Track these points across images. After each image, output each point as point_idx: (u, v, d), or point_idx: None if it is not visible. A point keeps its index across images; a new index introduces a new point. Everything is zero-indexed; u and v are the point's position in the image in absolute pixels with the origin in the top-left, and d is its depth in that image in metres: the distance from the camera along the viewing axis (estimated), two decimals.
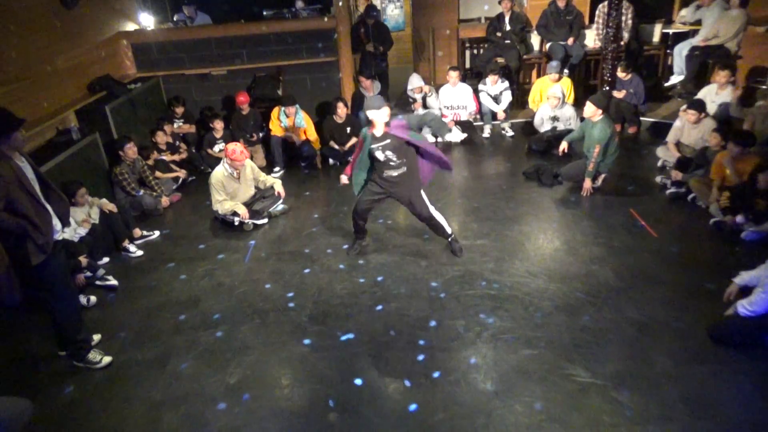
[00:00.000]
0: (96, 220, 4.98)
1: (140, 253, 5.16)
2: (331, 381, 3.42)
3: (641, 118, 7.20)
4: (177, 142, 6.89)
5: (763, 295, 3.27)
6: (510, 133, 7.48)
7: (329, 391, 3.34)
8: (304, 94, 7.59)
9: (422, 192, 4.44)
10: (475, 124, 7.62)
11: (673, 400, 3.08)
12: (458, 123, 7.42)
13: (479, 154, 7.11)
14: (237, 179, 5.40)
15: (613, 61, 6.73)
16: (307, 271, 4.66)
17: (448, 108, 7.39)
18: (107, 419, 3.27)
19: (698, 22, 7.54)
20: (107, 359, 3.71)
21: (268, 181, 5.59)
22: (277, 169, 6.88)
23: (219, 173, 5.33)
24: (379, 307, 4.09)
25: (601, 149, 5.32)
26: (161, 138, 6.57)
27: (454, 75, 7.27)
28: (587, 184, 5.52)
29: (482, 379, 3.34)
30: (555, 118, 6.76)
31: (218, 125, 7.00)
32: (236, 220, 5.40)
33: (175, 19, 8.59)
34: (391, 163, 4.23)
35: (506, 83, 7.42)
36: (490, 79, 7.30)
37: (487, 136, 7.50)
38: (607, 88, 6.78)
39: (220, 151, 6.90)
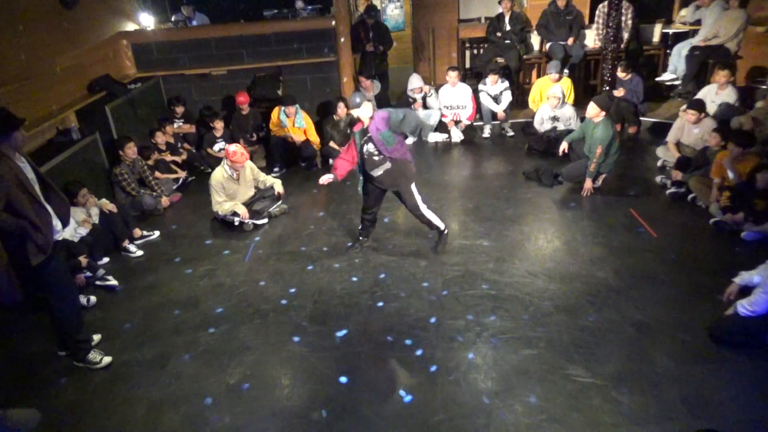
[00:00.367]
0: (96, 221, 4.98)
1: (140, 253, 5.16)
2: (331, 381, 3.41)
3: (641, 118, 7.20)
4: (178, 143, 6.90)
5: (764, 295, 3.27)
6: (510, 133, 7.48)
7: (329, 391, 3.33)
8: (304, 94, 7.59)
9: (413, 186, 4.46)
10: (475, 124, 7.62)
11: (673, 400, 3.08)
12: (457, 123, 7.43)
13: (479, 154, 7.10)
14: (236, 180, 5.40)
15: (613, 61, 6.74)
16: (307, 270, 4.65)
17: (447, 108, 7.41)
18: (107, 419, 3.27)
19: (698, 22, 7.53)
20: (107, 359, 3.71)
21: (268, 181, 5.59)
22: (277, 169, 6.88)
23: (218, 174, 5.33)
24: (379, 307, 4.09)
25: (603, 150, 5.32)
26: (160, 138, 6.57)
27: (453, 75, 7.28)
28: (588, 184, 5.52)
29: (482, 379, 3.33)
30: (555, 118, 6.76)
31: (218, 124, 7.01)
32: (236, 220, 5.40)
33: (173, 19, 8.59)
34: (374, 158, 4.25)
35: (506, 83, 7.42)
36: (490, 79, 7.30)
37: (487, 136, 7.50)
38: (607, 88, 6.78)
39: (220, 150, 6.90)
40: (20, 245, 3.16)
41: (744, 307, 3.36)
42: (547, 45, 8.00)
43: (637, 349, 3.48)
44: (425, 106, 7.42)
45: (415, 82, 7.36)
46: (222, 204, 5.33)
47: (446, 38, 9.35)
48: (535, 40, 8.50)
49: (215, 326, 4.03)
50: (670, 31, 8.15)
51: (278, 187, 5.51)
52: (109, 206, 5.16)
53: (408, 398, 3.23)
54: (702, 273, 4.20)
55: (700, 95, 6.24)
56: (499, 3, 7.96)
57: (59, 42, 5.93)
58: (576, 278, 4.24)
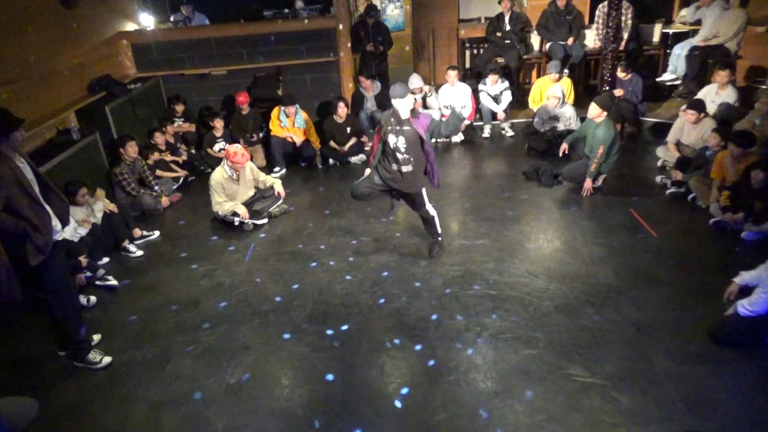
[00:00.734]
0: (98, 220, 4.98)
1: (140, 253, 5.16)
2: (331, 381, 3.42)
3: (641, 118, 7.20)
4: (177, 143, 6.90)
5: (764, 295, 3.27)
6: (510, 133, 7.49)
7: (329, 391, 3.34)
8: (304, 94, 7.59)
9: (423, 190, 4.44)
10: (474, 124, 7.62)
11: (673, 400, 3.08)
12: None
13: (479, 154, 7.11)
14: (236, 181, 5.40)
15: (613, 61, 6.74)
16: (307, 270, 4.65)
17: (447, 108, 7.40)
18: (107, 419, 3.27)
19: (698, 22, 7.54)
20: (107, 359, 3.71)
21: (268, 181, 5.59)
22: (277, 169, 6.88)
23: (218, 175, 5.33)
24: (379, 306, 4.09)
25: (605, 150, 5.32)
26: (160, 139, 6.57)
27: (452, 74, 7.28)
28: (588, 184, 5.52)
29: (482, 378, 3.34)
30: (555, 118, 6.76)
31: (218, 124, 7.01)
32: (236, 220, 5.40)
33: (172, 19, 8.59)
34: (399, 154, 4.17)
35: (506, 83, 7.42)
36: (490, 79, 7.30)
37: (487, 136, 7.50)
38: (607, 88, 6.78)
39: (220, 150, 6.90)
40: (20, 246, 3.15)
41: (744, 307, 3.36)
42: (547, 45, 8.01)
43: (636, 349, 3.48)
44: (425, 106, 7.42)
45: (415, 82, 7.34)
46: (222, 204, 5.33)
47: (446, 38, 9.35)
48: (535, 40, 8.50)
49: (215, 326, 4.03)
50: (670, 31, 8.15)
51: (278, 187, 5.51)
52: (110, 206, 5.16)
53: (408, 398, 3.23)
54: (702, 273, 4.20)
55: (700, 95, 6.24)
56: (499, 3, 7.96)
57: (59, 42, 5.93)
58: (576, 278, 4.25)
